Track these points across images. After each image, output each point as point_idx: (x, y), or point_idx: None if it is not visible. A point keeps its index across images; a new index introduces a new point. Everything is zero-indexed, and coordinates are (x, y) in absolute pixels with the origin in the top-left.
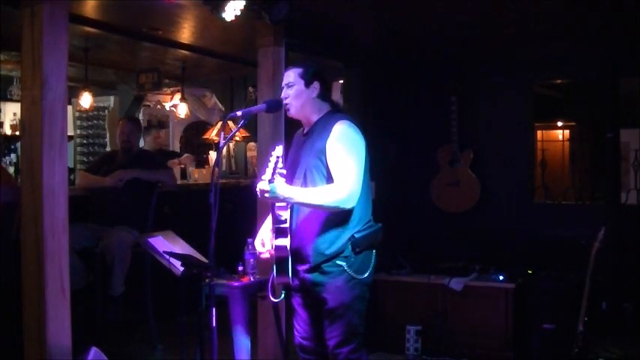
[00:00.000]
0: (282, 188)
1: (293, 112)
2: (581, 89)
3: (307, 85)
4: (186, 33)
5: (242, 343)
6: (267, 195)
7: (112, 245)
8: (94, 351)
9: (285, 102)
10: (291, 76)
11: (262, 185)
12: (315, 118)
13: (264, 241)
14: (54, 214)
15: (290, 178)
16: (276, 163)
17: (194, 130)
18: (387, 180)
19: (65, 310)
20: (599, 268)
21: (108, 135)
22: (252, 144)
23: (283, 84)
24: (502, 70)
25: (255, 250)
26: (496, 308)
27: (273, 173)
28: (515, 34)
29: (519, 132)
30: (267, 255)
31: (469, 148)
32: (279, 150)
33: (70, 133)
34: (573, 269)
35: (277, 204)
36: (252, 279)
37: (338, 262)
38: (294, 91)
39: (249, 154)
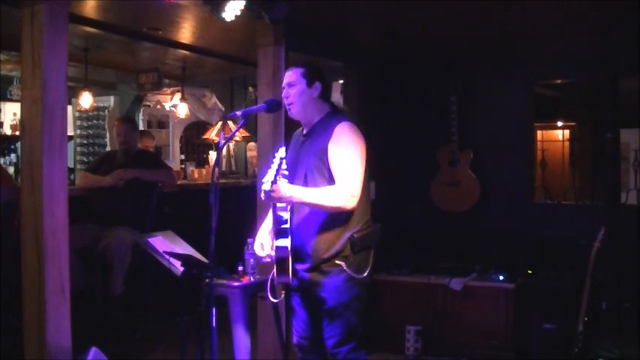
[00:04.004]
0: (285, 188)
1: (294, 112)
2: (581, 89)
3: (309, 84)
4: (186, 33)
5: (242, 343)
6: (273, 195)
7: (112, 245)
8: (94, 351)
9: (286, 102)
10: (293, 75)
11: (265, 186)
12: (316, 118)
13: (264, 245)
14: (54, 214)
15: (290, 178)
16: (280, 164)
17: (194, 130)
18: (387, 180)
19: (65, 310)
20: (599, 268)
21: (108, 135)
22: (252, 144)
23: (284, 83)
24: (502, 70)
25: (254, 252)
26: (496, 308)
27: (276, 174)
28: (515, 34)
29: (519, 132)
30: (267, 260)
31: (469, 148)
32: (282, 151)
33: (70, 133)
34: (573, 269)
35: (278, 205)
36: (252, 279)
37: (337, 261)
38: (296, 90)
39: (249, 154)
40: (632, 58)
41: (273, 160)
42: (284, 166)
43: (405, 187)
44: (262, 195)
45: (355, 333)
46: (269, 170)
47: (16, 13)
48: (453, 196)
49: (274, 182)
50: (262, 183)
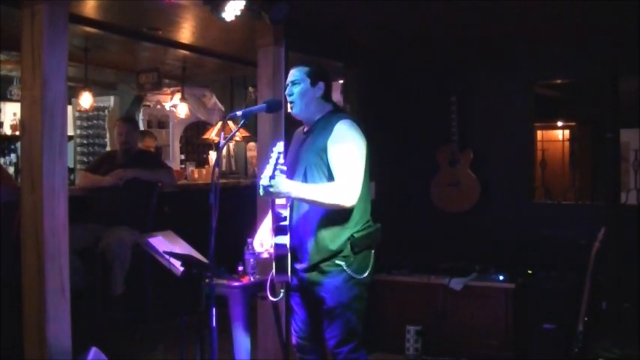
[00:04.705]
0: (284, 183)
1: (296, 111)
2: (581, 89)
3: (313, 84)
4: (186, 33)
5: (242, 343)
6: (271, 190)
7: (112, 245)
8: (94, 351)
9: (289, 99)
10: (297, 74)
11: (264, 181)
12: (317, 116)
13: (263, 242)
14: (54, 214)
15: (290, 175)
16: (277, 159)
17: (194, 130)
18: (387, 180)
19: (65, 310)
20: (599, 268)
21: (108, 135)
22: (252, 144)
23: (288, 81)
24: (502, 70)
25: (254, 250)
26: (496, 308)
27: (274, 169)
28: (515, 34)
29: (519, 132)
30: (266, 255)
31: (469, 148)
32: (280, 146)
33: (70, 133)
34: (573, 269)
35: (277, 202)
36: (252, 279)
37: (337, 261)
38: (300, 89)
39: (249, 154)
40: (632, 58)
41: (271, 155)
42: (281, 160)
43: (405, 187)
44: (260, 190)
45: (355, 333)
46: (267, 166)
47: (16, 13)
48: (453, 196)
49: (272, 177)
50: (261, 179)
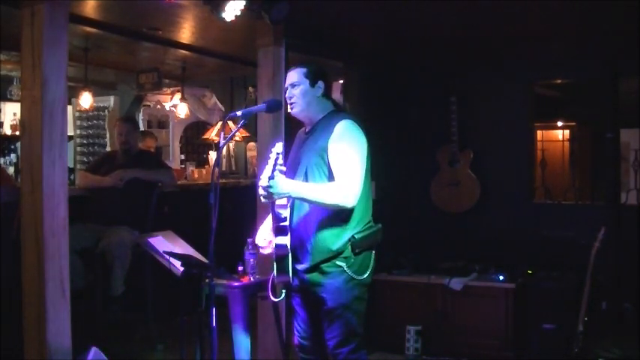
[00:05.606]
0: (283, 183)
1: (297, 112)
2: (581, 89)
3: (312, 84)
4: (186, 33)
5: (242, 343)
6: (270, 190)
7: (112, 245)
8: (94, 351)
9: (290, 102)
10: (296, 76)
11: (262, 182)
12: (318, 116)
13: (267, 238)
14: (54, 214)
15: (291, 175)
16: (276, 159)
17: (194, 130)
18: (387, 180)
19: (65, 310)
20: (599, 268)
21: (108, 135)
22: (252, 144)
23: (287, 84)
24: (502, 70)
25: (255, 250)
26: (496, 308)
27: (273, 170)
28: (515, 34)
29: (519, 132)
30: (269, 250)
31: (469, 148)
32: (278, 147)
33: (70, 133)
34: (573, 269)
35: (277, 202)
36: (252, 279)
37: (337, 262)
38: (300, 90)
39: (249, 154)
40: (632, 58)
41: (270, 156)
42: (280, 161)
43: (405, 187)
44: (260, 191)
45: (356, 334)
46: (266, 167)
47: (16, 13)
48: (453, 196)
49: (271, 178)
50: (260, 180)
